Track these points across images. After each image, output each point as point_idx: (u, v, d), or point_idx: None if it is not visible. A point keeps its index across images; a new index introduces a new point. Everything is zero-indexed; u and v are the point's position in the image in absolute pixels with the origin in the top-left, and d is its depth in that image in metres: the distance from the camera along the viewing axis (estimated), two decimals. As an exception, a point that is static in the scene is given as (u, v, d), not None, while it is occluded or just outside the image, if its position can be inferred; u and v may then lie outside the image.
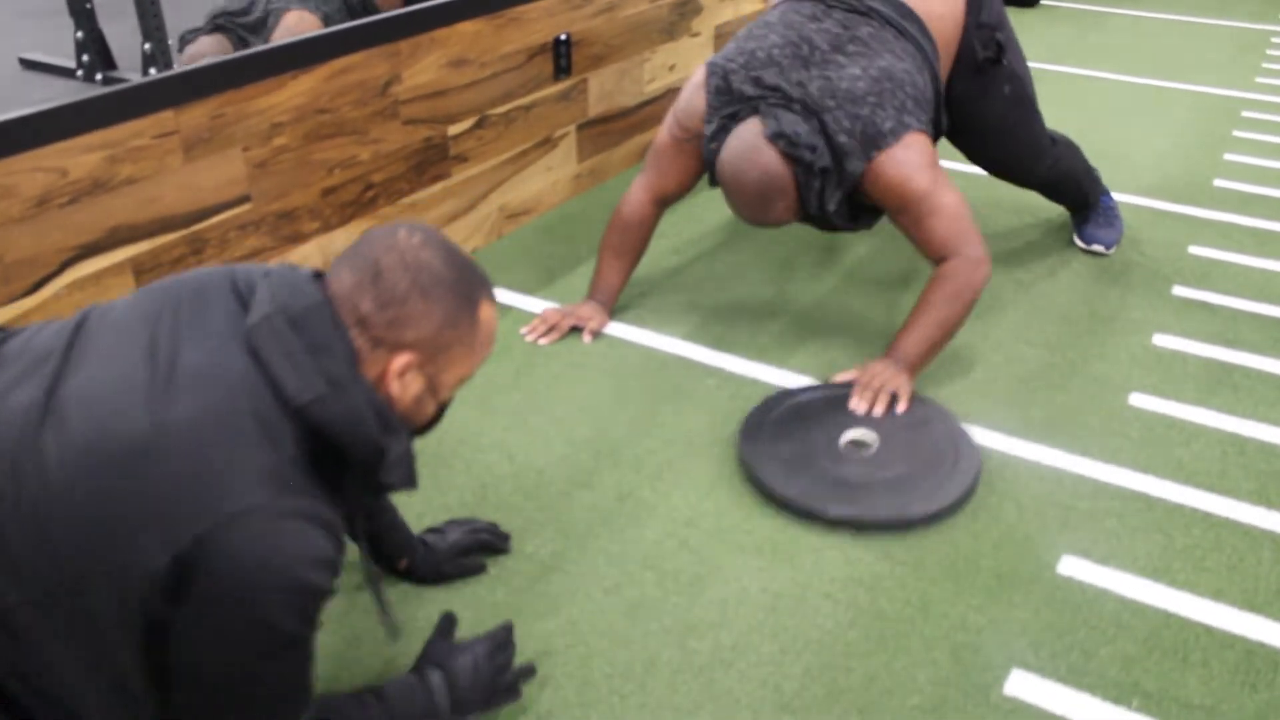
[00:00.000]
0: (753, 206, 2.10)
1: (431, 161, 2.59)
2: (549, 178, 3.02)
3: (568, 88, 2.97)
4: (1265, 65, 4.42)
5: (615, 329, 2.40)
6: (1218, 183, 3.24)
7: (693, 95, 2.23)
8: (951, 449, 1.93)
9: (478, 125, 2.70)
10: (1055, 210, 3.04)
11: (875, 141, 2.08)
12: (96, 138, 1.87)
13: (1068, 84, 4.16)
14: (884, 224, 2.31)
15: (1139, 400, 2.16)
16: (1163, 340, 2.38)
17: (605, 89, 3.13)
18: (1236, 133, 3.65)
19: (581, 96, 3.04)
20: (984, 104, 2.45)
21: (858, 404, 2.03)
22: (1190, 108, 3.89)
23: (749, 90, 2.12)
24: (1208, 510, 1.86)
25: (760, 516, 1.83)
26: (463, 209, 2.73)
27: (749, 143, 2.07)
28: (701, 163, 2.27)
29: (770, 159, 2.04)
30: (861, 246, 2.80)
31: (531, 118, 2.87)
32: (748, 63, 2.15)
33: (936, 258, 2.14)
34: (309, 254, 2.33)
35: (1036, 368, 2.27)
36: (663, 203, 2.38)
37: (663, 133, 2.32)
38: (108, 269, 1.94)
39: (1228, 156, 3.44)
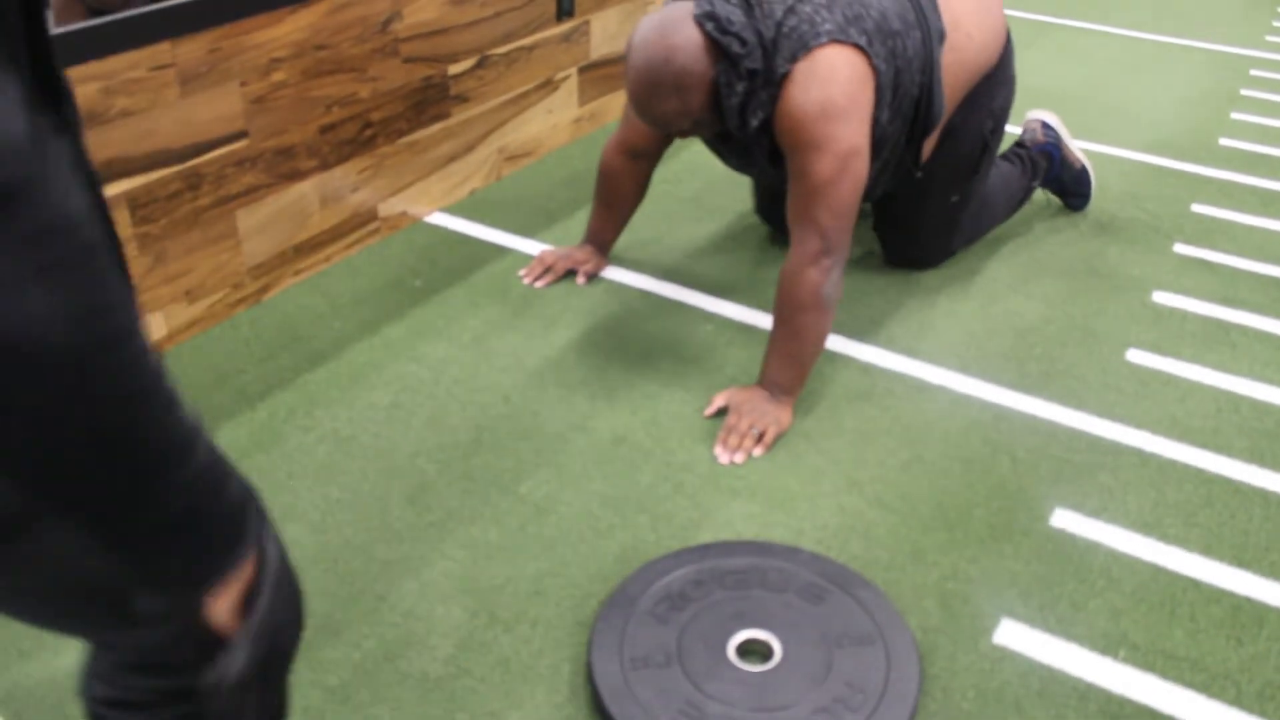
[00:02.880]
0: (643, 89, 1.79)
1: (431, 101, 2.56)
2: (549, 120, 2.99)
3: (570, 29, 2.94)
4: (1275, 23, 4.37)
5: (614, 273, 2.39)
6: (1223, 141, 3.22)
7: None
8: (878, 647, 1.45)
9: (478, 65, 2.67)
10: (1058, 165, 3.02)
11: (805, 40, 1.78)
12: (92, 69, 1.84)
13: (1074, 38, 4.12)
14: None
15: (1136, 356, 2.16)
16: (1162, 297, 2.37)
17: (608, 31, 3.09)
18: (1244, 91, 3.62)
19: (584, 39, 3.00)
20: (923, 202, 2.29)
21: (720, 452, 1.84)
22: (1198, 64, 3.85)
23: None
24: (1200, 466, 1.86)
25: (754, 462, 1.83)
26: (461, 150, 2.71)
27: (670, 15, 1.79)
28: None
29: (687, 39, 1.76)
30: (860, 219, 2.78)
31: (533, 59, 2.84)
32: None
33: (790, 233, 1.88)
34: (306, 191, 2.31)
35: (1035, 322, 2.27)
36: (634, 154, 2.23)
37: None
38: (103, 202, 1.92)
39: (1234, 115, 3.42)
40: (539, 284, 2.32)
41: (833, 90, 1.79)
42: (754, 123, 1.84)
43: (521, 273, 2.36)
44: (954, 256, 2.48)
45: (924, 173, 2.22)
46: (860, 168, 1.83)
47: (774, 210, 2.45)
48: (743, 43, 1.77)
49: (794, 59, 1.79)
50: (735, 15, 1.78)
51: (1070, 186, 2.70)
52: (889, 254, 2.46)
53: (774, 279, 2.38)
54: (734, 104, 1.81)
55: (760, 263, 2.46)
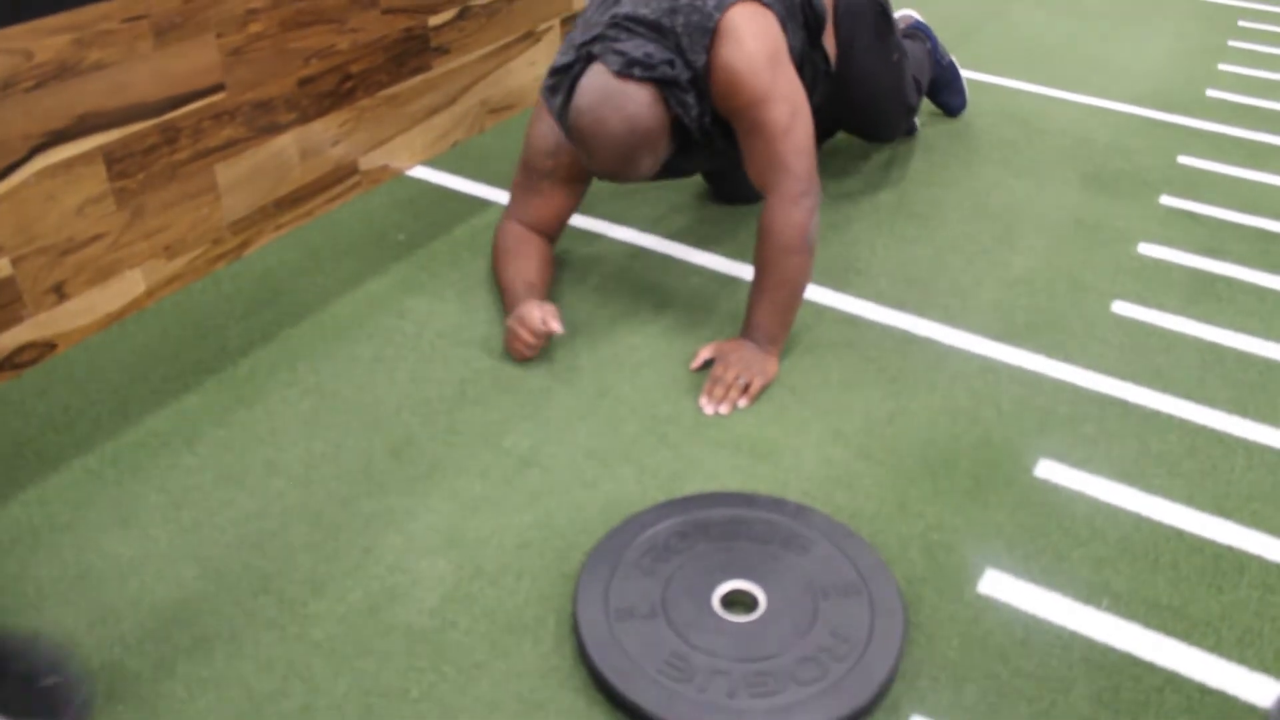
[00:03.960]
0: (624, 157, 1.80)
1: (412, 53, 2.52)
2: (532, 73, 2.95)
3: (553, -20, 2.90)
4: (1263, -26, 4.34)
5: (598, 226, 2.38)
6: (1210, 93, 3.20)
7: (538, 124, 2.03)
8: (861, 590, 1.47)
9: (459, 17, 2.63)
10: (1046, 118, 3.00)
11: (704, 24, 1.81)
12: (63, 19, 1.80)
13: (1063, -11, 4.09)
14: (860, 151, 2.27)
15: (1121, 308, 2.16)
16: (1148, 249, 2.37)
17: (591, -17, 3.04)
18: (1232, 42, 3.60)
19: (567, -10, 2.97)
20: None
21: (705, 403, 1.84)
22: (1186, 16, 3.83)
23: (579, 38, 1.88)
24: (1184, 417, 1.87)
25: (739, 413, 1.83)
26: (443, 103, 2.67)
27: (602, 88, 1.78)
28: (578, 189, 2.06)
29: (633, 97, 1.77)
30: (849, 151, 2.76)
31: (514, 10, 2.80)
32: (579, 23, 1.95)
33: (757, 185, 1.91)
34: (286, 145, 2.28)
35: (1021, 274, 2.26)
36: (539, 232, 2.10)
37: (519, 175, 2.09)
38: (77, 157, 1.89)
39: (1222, 66, 3.40)
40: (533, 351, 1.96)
41: (750, 48, 1.83)
42: (707, 119, 1.89)
43: (524, 350, 1.94)
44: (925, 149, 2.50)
45: (842, 61, 2.27)
46: (805, 104, 1.89)
47: (728, 187, 2.46)
48: (670, 64, 1.80)
49: (706, 45, 1.82)
50: (645, 46, 1.81)
51: (947, 76, 2.87)
52: (864, 134, 2.56)
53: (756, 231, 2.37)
54: (694, 115, 1.85)
55: (745, 215, 2.44)
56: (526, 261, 2.05)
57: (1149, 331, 2.09)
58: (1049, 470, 1.74)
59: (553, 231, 2.12)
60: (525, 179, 2.08)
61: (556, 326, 1.86)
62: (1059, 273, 2.27)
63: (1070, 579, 1.54)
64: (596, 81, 1.80)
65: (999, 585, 1.53)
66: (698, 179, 2.58)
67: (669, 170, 2.13)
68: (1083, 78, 3.27)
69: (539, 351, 1.94)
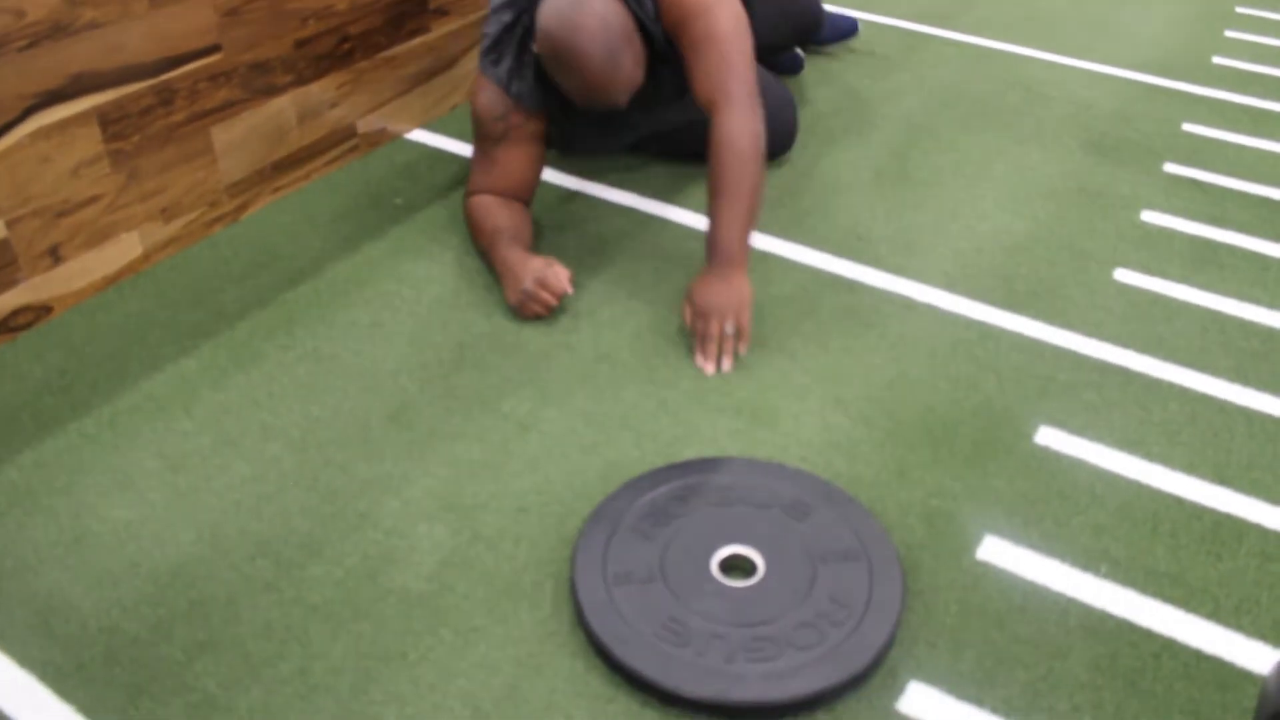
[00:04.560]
0: (606, 57, 1.81)
1: (410, 14, 2.50)
2: (532, 37, 2.92)
3: (552, -58, 2.86)
4: (1271, -60, 4.30)
5: (598, 190, 2.36)
6: (1216, 59, 3.18)
7: (481, 95, 2.05)
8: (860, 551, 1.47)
9: (458, -22, 2.60)
10: (1049, 85, 2.98)
11: None
12: (57, -25, 1.78)
13: (1068, -46, 4.04)
14: (862, 116, 2.25)
15: (1123, 275, 2.15)
16: (1151, 217, 2.35)
17: (591, -55, 3.01)
18: (1239, 9, 3.56)
19: (567, -48, 2.93)
20: None
21: (703, 364, 1.83)
22: (1192, -18, 3.79)
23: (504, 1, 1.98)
24: (1186, 385, 1.86)
25: (739, 379, 1.82)
26: (442, 65, 2.65)
27: (566, 3, 1.82)
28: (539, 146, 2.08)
29: (600, 2, 1.82)
30: (848, 115, 2.74)
31: (514, -28, 2.77)
32: None
33: (705, 101, 1.91)
34: (283, 107, 2.26)
35: (1022, 240, 2.25)
36: (509, 196, 2.11)
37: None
38: (73, 118, 1.87)
39: (1228, 33, 3.37)
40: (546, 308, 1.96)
41: None
42: (658, 29, 1.95)
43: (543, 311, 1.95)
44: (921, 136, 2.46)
45: None
46: (746, 16, 1.96)
47: (670, 140, 2.46)
48: None
49: None
50: None
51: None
52: (802, 37, 2.69)
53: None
54: (651, 16, 1.92)
55: (746, 181, 2.42)
56: (509, 222, 2.04)
57: (1151, 299, 2.08)
58: (1049, 437, 1.73)
59: (524, 197, 2.12)
60: (482, 151, 2.09)
61: (570, 286, 1.91)
62: (1061, 240, 2.26)
63: (1069, 546, 1.54)
64: (558, 2, 1.84)
65: (998, 552, 1.52)
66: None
67: (640, 106, 2.10)
68: (1087, 44, 3.24)
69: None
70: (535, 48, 1.91)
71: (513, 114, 2.04)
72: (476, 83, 2.07)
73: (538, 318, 1.93)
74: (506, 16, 1.98)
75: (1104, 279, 2.13)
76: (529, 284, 1.91)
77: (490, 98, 2.04)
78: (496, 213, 2.06)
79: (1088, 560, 1.52)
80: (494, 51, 2.01)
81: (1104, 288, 2.11)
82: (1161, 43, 3.27)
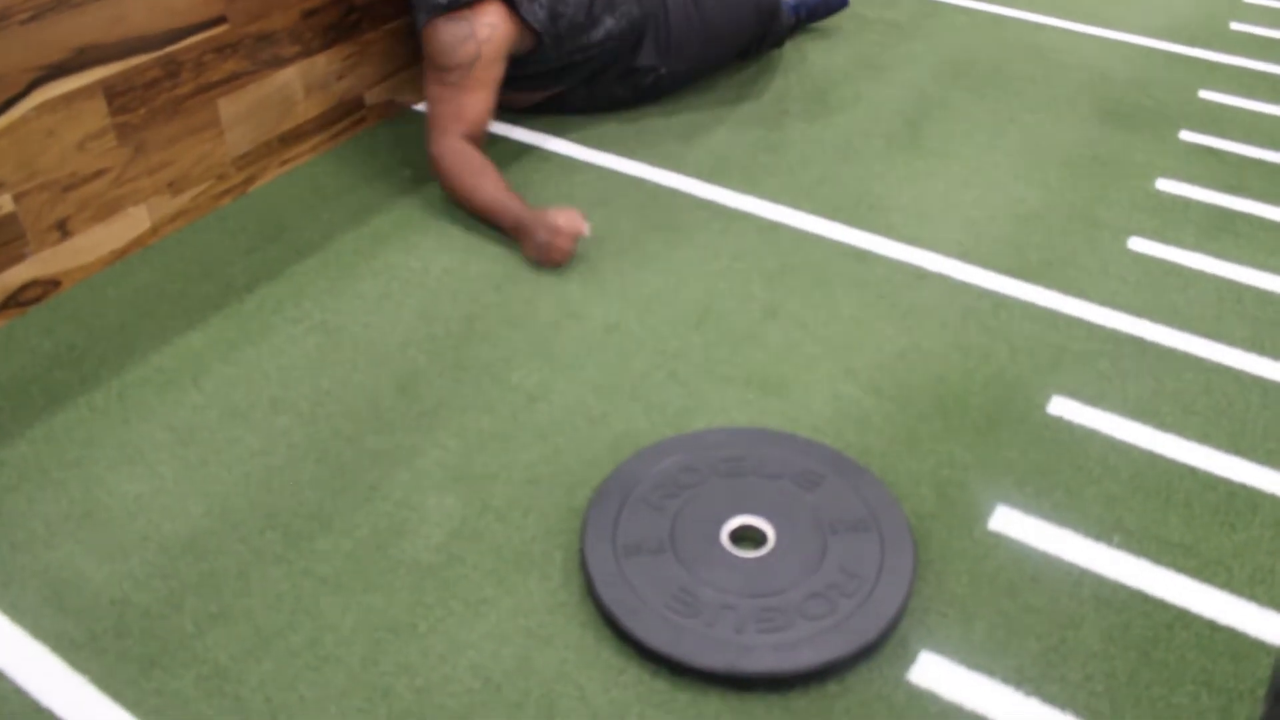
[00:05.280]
0: None
1: (417, -15, 2.47)
2: (540, 7, 2.89)
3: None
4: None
5: (607, 159, 2.34)
6: (1234, 25, 3.13)
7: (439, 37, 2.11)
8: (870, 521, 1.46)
9: (465, -53, 2.57)
10: (1064, 52, 2.94)
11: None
12: (60, -54, 1.77)
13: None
14: (874, 84, 2.23)
15: (1138, 244, 2.12)
16: (1166, 185, 2.33)
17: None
18: (1255, -27, 3.51)
19: (574, -80, 2.90)
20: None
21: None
22: (1209, -53, 3.73)
23: None
24: (1200, 355, 1.84)
25: (748, 349, 1.81)
26: (450, 37, 2.63)
27: None
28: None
29: None
30: (861, 83, 2.72)
31: (522, -59, 2.74)
32: None
33: None
34: (290, 79, 2.24)
35: (1036, 209, 2.23)
36: (472, 140, 2.16)
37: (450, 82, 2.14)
38: (78, 91, 1.86)
39: (1245, -2, 3.32)
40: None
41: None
42: None
43: (565, 257, 2.00)
44: (946, 138, 2.44)
45: None
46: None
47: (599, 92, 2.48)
48: None
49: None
50: None
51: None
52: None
53: (767, 165, 2.33)
54: None
55: (756, 150, 2.40)
56: (494, 178, 2.10)
57: (1166, 268, 2.06)
58: (1062, 407, 1.72)
59: (482, 136, 2.19)
60: (449, 85, 2.12)
61: (587, 229, 1.99)
62: (1075, 208, 2.23)
63: (1082, 516, 1.53)
64: None
65: (1010, 522, 1.52)
66: (722, 104, 2.54)
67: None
68: (1101, 11, 3.19)
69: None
70: None
71: (478, 28, 2.09)
72: (427, 30, 2.11)
73: (558, 265, 1.99)
74: None
75: (1118, 248, 2.11)
76: (545, 234, 1.96)
77: (446, 25, 2.08)
78: (476, 165, 2.12)
79: (1100, 530, 1.51)
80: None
81: (1118, 257, 2.09)
82: (1178, 9, 3.23)
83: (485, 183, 2.08)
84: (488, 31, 2.10)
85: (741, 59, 2.71)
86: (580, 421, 1.66)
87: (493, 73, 2.15)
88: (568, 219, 1.97)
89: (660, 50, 2.47)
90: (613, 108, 2.52)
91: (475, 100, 2.13)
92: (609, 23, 2.35)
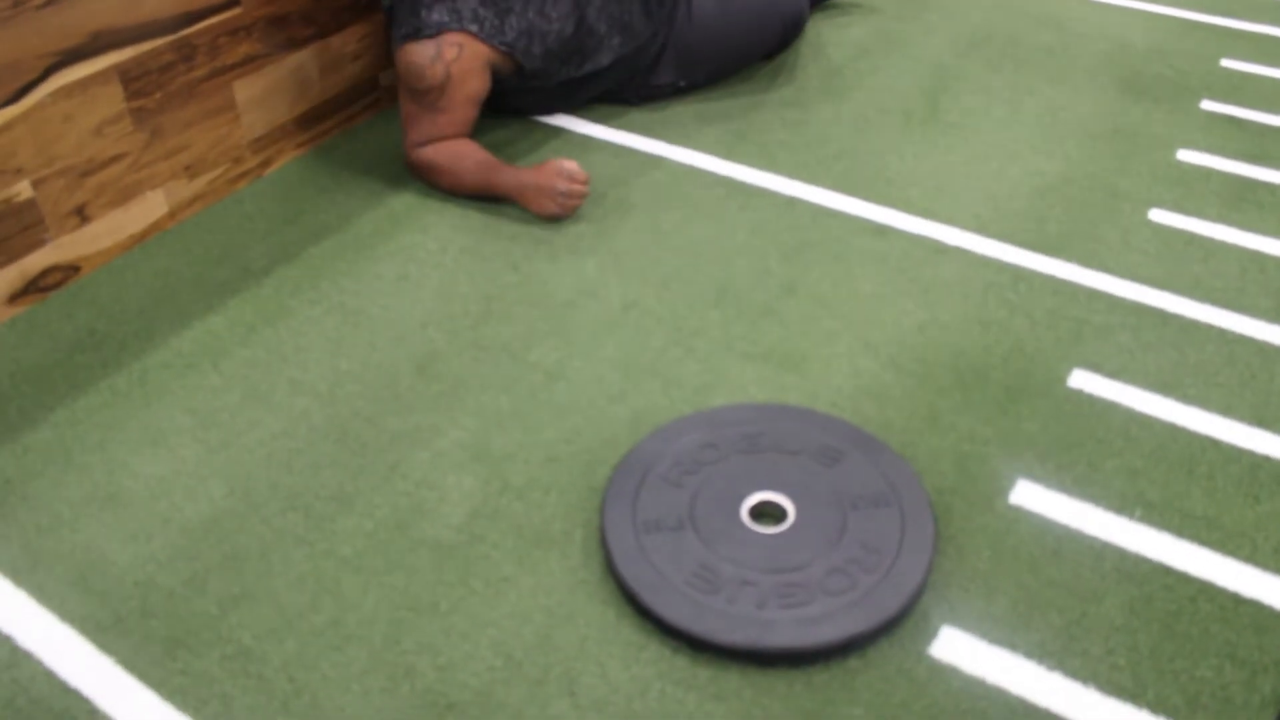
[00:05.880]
0: None
1: (429, -36, 2.46)
2: (553, -15, 2.88)
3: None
4: None
5: (623, 137, 2.33)
6: (1255, -8, 3.09)
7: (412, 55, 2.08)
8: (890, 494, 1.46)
9: (477, -74, 2.56)
10: (1082, 22, 2.91)
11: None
12: (73, -69, 1.77)
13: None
14: (891, 59, 2.21)
15: (1159, 216, 2.10)
16: (1187, 155, 2.30)
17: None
18: (1278, -61, 3.46)
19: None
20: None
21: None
22: (1230, -87, 3.68)
23: None
24: (1223, 327, 1.82)
25: (767, 325, 1.81)
26: (463, 17, 2.62)
27: None
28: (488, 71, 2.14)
29: None
30: (877, 57, 2.69)
31: (534, -81, 2.72)
32: None
33: None
34: (305, 61, 2.24)
35: (1055, 182, 2.21)
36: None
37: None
38: (93, 76, 1.87)
39: (1267, -36, 3.27)
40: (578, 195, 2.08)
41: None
42: None
43: (577, 201, 2.07)
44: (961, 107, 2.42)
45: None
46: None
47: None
48: None
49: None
50: None
51: None
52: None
53: (784, 141, 2.32)
54: None
55: (772, 125, 2.39)
56: (482, 152, 2.13)
57: (1187, 239, 2.04)
58: (1083, 380, 1.71)
59: (469, 134, 2.20)
60: (423, 104, 2.11)
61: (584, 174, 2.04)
62: (1095, 180, 2.21)
63: (1103, 489, 1.52)
64: None
65: (1030, 496, 1.51)
66: (739, 82, 2.52)
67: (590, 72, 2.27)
68: (1122, -21, 3.16)
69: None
70: None
71: (445, 50, 2.07)
72: (398, 54, 2.09)
73: (570, 212, 2.06)
74: None
75: (1139, 220, 2.09)
76: (564, 183, 2.02)
77: (415, 49, 2.06)
78: (465, 150, 2.13)
79: (1122, 504, 1.50)
80: (409, 17, 2.07)
81: (1139, 228, 2.07)
82: (1198, -24, 3.19)
83: (466, 167, 2.11)
84: (454, 52, 2.07)
85: (764, 60, 2.67)
86: (599, 399, 1.66)
87: (465, 91, 2.11)
88: (572, 170, 2.02)
89: (680, 67, 2.44)
90: None
91: (449, 119, 2.13)
92: (616, 44, 2.30)
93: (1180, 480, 1.53)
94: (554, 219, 2.05)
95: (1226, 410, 1.65)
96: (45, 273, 1.90)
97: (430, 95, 2.09)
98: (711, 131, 2.37)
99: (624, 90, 2.43)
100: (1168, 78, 2.62)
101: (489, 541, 1.44)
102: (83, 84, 1.86)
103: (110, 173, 1.95)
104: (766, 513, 1.45)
